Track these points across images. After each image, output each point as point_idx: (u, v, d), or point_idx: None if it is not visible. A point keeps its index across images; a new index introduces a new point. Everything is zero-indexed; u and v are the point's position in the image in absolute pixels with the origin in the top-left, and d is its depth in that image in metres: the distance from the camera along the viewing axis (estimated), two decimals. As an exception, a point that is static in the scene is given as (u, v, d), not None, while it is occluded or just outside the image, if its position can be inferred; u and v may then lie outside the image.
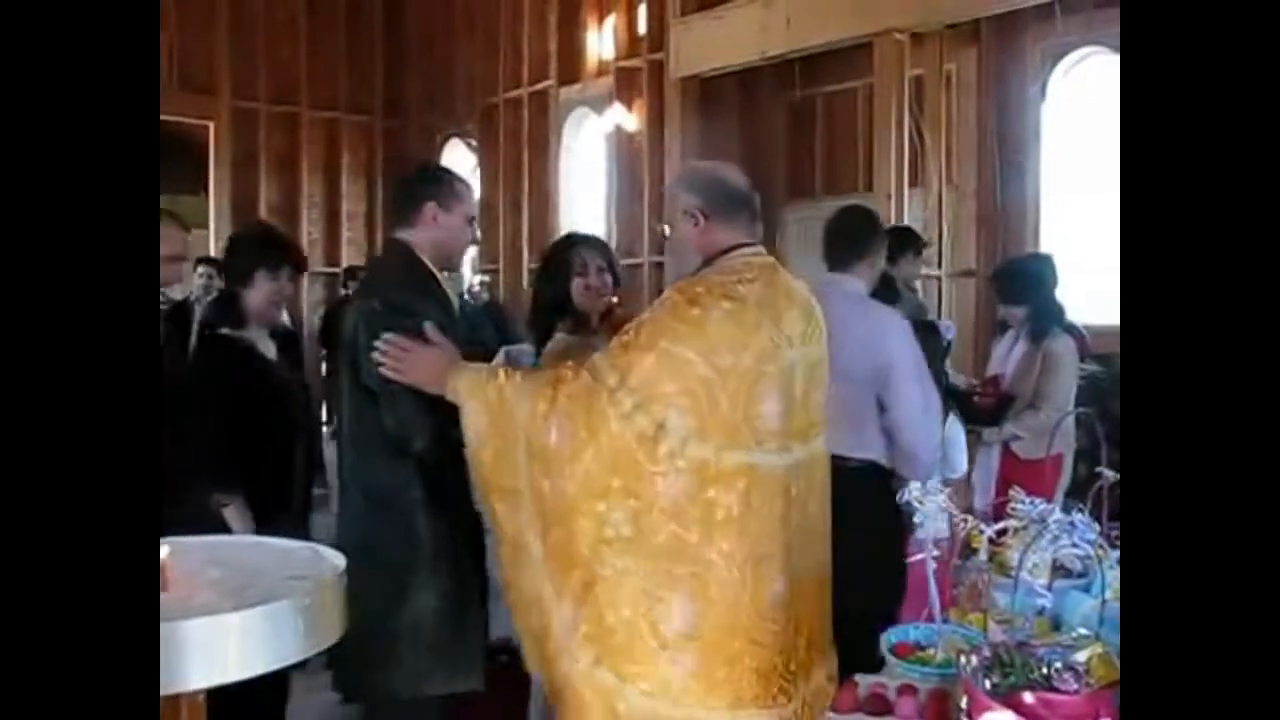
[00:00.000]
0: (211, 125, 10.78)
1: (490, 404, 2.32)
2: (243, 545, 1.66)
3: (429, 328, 2.50)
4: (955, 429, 3.88)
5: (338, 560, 1.57)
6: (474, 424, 2.34)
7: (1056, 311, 4.45)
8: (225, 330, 3.12)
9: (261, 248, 3.24)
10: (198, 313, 7.37)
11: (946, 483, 3.54)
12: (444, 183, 2.83)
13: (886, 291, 3.95)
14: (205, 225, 10.97)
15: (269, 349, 3.21)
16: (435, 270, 2.76)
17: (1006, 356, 4.51)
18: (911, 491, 2.01)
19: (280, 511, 3.01)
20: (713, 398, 2.21)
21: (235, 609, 1.33)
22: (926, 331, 3.95)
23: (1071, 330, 4.66)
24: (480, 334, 6.62)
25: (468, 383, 2.36)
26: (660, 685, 2.21)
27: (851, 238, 3.45)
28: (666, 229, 2.53)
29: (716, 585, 2.21)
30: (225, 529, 2.88)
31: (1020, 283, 4.50)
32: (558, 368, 2.37)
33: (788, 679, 2.30)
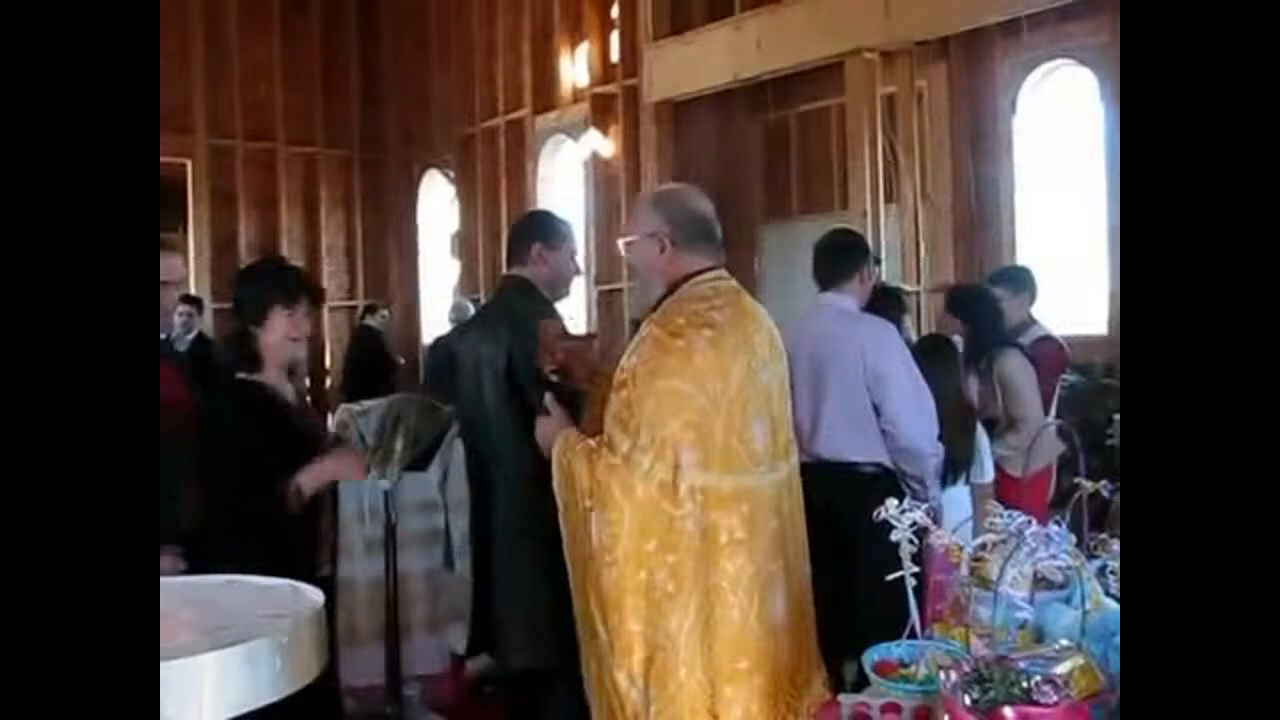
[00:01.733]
0: (189, 163, 10.76)
1: (562, 470, 2.41)
2: (219, 585, 1.65)
3: (548, 400, 2.64)
4: (982, 438, 3.91)
5: (316, 597, 1.57)
6: (556, 488, 2.44)
7: (999, 330, 4.35)
8: (242, 375, 2.87)
9: (275, 281, 2.96)
10: (177, 349, 7.30)
11: (976, 489, 3.70)
12: (547, 225, 3.27)
13: (890, 305, 4.09)
14: (185, 264, 10.96)
15: (288, 391, 2.96)
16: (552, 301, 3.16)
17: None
18: (889, 509, 2.02)
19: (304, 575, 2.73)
20: (710, 426, 2.27)
21: (212, 649, 1.33)
22: (943, 346, 4.02)
23: (1050, 342, 4.67)
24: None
25: (557, 448, 2.45)
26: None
27: (840, 257, 3.65)
28: (624, 250, 2.56)
29: (722, 608, 2.27)
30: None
31: (962, 299, 4.47)
32: (592, 441, 2.39)
33: (794, 695, 2.34)
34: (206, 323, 8.81)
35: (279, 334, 2.87)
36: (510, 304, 3.19)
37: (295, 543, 2.72)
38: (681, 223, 2.45)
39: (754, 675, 2.29)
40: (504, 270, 3.39)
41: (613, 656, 2.29)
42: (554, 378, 2.78)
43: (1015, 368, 4.20)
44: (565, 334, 2.94)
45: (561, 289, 3.25)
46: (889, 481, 3.30)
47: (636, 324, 2.88)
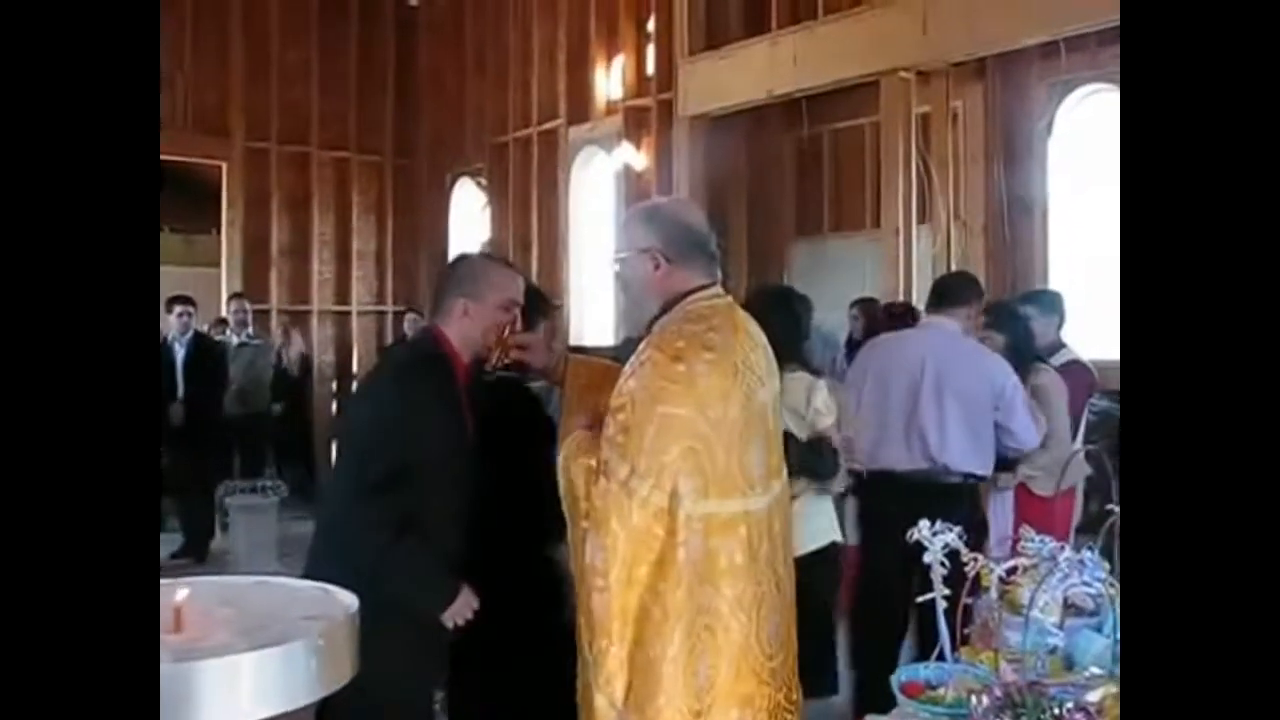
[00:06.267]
0: (224, 165, 10.87)
1: (565, 478, 2.36)
2: (252, 585, 1.66)
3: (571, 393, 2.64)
4: None
5: (349, 600, 1.57)
6: (561, 495, 2.39)
7: (1033, 347, 4.47)
8: (517, 376, 3.02)
9: (540, 297, 3.21)
10: (178, 354, 7.29)
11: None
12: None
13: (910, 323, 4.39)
14: (217, 264, 11.06)
15: None
16: None
17: None
18: (921, 530, 2.01)
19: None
20: (711, 452, 2.23)
21: (250, 649, 1.34)
22: None
23: (1078, 365, 4.65)
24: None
25: (563, 453, 2.40)
26: None
27: (959, 288, 4.20)
28: (616, 266, 2.49)
29: (723, 633, 2.24)
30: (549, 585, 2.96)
31: (1000, 311, 4.54)
32: (592, 458, 2.32)
33: (789, 711, 2.35)
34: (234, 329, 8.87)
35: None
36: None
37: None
38: (675, 238, 2.37)
39: (755, 698, 2.27)
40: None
41: (597, 679, 2.26)
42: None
43: (1050, 385, 4.32)
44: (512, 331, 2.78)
45: None
46: (973, 489, 3.94)
47: (631, 342, 2.79)
